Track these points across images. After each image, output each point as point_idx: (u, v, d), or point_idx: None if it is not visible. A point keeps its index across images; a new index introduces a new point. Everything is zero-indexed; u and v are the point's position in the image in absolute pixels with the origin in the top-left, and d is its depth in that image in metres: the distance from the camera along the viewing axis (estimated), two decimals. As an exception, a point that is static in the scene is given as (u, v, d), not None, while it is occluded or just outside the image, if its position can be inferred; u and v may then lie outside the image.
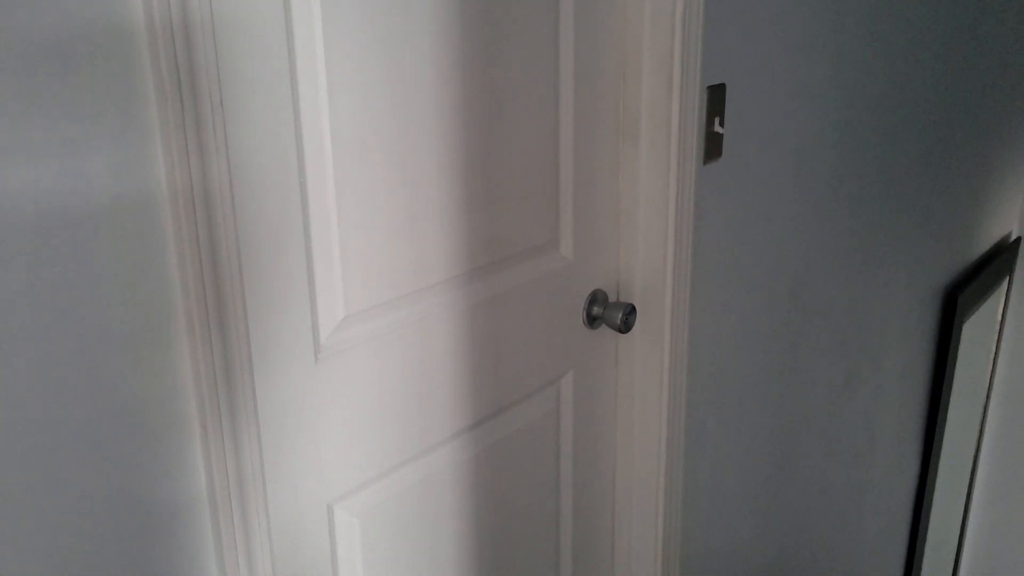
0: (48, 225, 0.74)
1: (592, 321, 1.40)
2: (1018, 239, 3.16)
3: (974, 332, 2.89)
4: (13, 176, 0.71)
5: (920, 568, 2.97)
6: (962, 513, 3.33)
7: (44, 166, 0.73)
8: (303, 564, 1.03)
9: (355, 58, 0.97)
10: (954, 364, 2.74)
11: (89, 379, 0.79)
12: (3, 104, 0.70)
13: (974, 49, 2.44)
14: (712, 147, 1.43)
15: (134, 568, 0.85)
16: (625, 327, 1.37)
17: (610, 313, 1.38)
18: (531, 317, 1.29)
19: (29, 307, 0.74)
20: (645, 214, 1.38)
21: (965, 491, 3.30)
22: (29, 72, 0.71)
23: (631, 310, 1.37)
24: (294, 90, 0.92)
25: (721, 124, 1.42)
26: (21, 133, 0.71)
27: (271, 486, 0.97)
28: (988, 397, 3.25)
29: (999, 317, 3.13)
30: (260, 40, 0.87)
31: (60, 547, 0.80)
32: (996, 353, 3.20)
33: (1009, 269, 3.10)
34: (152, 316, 0.83)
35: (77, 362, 0.78)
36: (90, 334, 0.78)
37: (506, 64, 1.15)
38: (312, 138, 0.95)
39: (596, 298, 1.40)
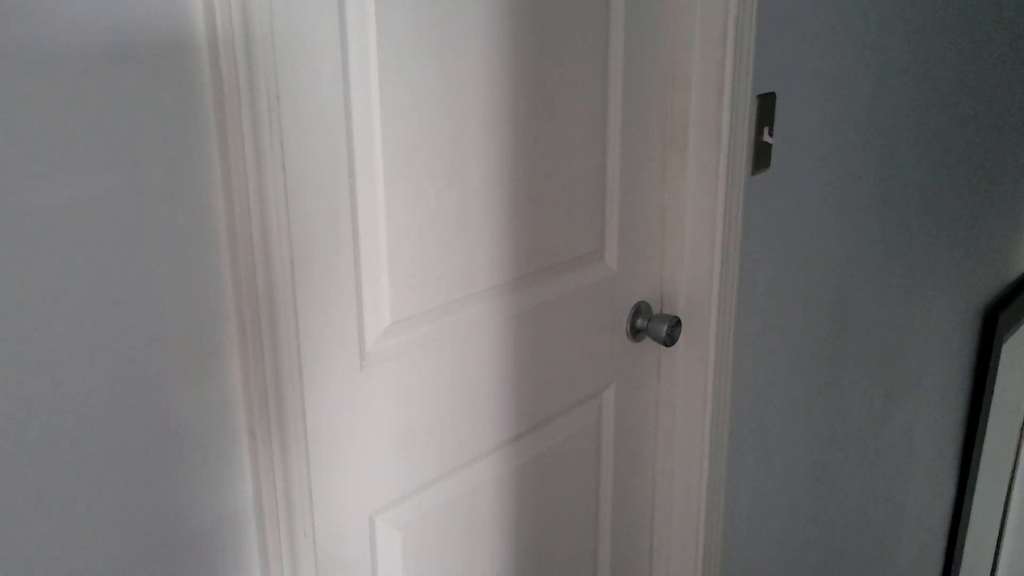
0: (101, 226, 0.72)
1: (636, 334, 1.37)
2: (1058, 258, 3.10)
3: (1014, 352, 2.84)
4: (69, 176, 0.70)
5: (955, 592, 2.91)
6: (998, 535, 3.27)
7: (100, 165, 0.71)
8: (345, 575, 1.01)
9: (407, 65, 0.95)
10: (993, 384, 2.69)
11: (139, 385, 0.77)
12: (63, 104, 0.68)
13: (1018, 65, 2.40)
14: (761, 157, 1.40)
15: (177, 578, 0.84)
16: (670, 340, 1.34)
17: (655, 326, 1.35)
18: (575, 327, 1.27)
19: (79, 310, 0.72)
20: (692, 225, 1.36)
21: (1001, 513, 3.23)
22: (91, 72, 0.70)
23: (676, 323, 1.34)
24: (347, 93, 0.90)
25: (771, 134, 1.39)
26: (79, 133, 0.70)
27: (316, 495, 0.95)
28: (1025, 418, 3.19)
29: (1038, 337, 3.07)
30: (315, 42, 0.86)
31: (106, 556, 0.78)
32: (1034, 373, 3.14)
33: (1049, 288, 3.04)
34: (203, 321, 0.81)
35: (127, 368, 0.76)
36: (141, 339, 0.77)
37: (555, 71, 1.13)
38: (363, 143, 0.93)
39: (640, 310, 1.37)
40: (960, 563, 2.89)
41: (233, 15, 0.76)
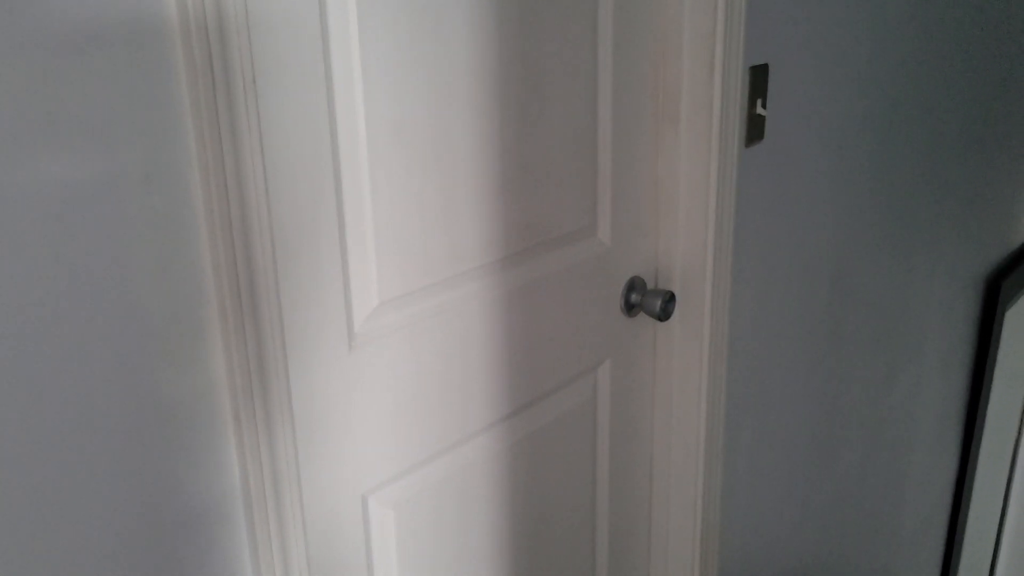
0: (77, 211, 0.72)
1: (630, 309, 1.36)
2: (1062, 225, 3.08)
3: (1017, 320, 2.83)
4: (44, 161, 0.69)
5: (958, 561, 2.92)
6: (1001, 506, 3.27)
7: (74, 150, 0.71)
8: (338, 556, 1.01)
9: (390, 39, 0.94)
10: (996, 353, 2.68)
11: (121, 371, 0.77)
12: (35, 88, 0.68)
13: (1019, 32, 2.37)
14: (754, 129, 1.39)
15: (170, 563, 0.84)
16: (664, 315, 1.33)
17: (649, 300, 1.35)
18: (568, 304, 1.26)
19: (58, 296, 0.72)
20: (685, 199, 1.35)
21: (1005, 483, 3.24)
22: (62, 55, 0.69)
23: (670, 297, 1.34)
24: (328, 70, 0.89)
25: (764, 106, 1.38)
26: (52, 117, 0.69)
27: (305, 477, 0.95)
28: (1029, 387, 3.18)
29: (1042, 305, 3.06)
30: (294, 19, 0.84)
31: (94, 544, 0.78)
32: (1038, 342, 3.12)
33: (1053, 256, 3.02)
34: (184, 305, 0.80)
35: (108, 354, 0.76)
36: (121, 325, 0.76)
37: (543, 44, 1.12)
38: (346, 120, 0.92)
39: (634, 285, 1.36)
40: (964, 533, 2.89)
41: (208, -6, 0.75)
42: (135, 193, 0.75)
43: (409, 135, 0.99)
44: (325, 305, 0.94)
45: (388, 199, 0.98)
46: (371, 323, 1.00)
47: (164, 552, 0.83)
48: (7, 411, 0.71)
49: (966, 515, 2.87)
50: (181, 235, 0.79)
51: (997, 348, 2.67)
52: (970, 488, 2.83)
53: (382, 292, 1.00)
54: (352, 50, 0.91)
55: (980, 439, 2.78)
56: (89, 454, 0.76)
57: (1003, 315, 2.64)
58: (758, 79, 1.36)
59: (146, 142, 0.75)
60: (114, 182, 0.74)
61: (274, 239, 0.86)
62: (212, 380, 0.84)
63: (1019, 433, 3.22)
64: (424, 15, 0.97)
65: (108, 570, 0.79)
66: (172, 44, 0.76)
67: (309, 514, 0.96)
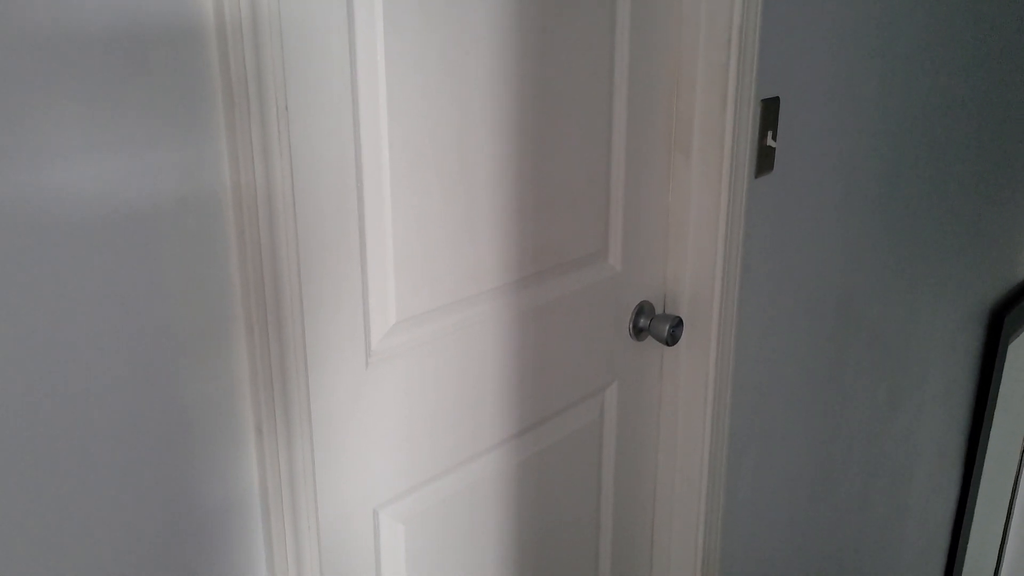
0: (113, 223, 0.75)
1: (638, 333, 1.39)
2: (1067, 260, 3.10)
3: (1020, 353, 2.84)
4: (80, 173, 0.72)
5: (957, 591, 2.92)
6: (1001, 535, 3.27)
7: (111, 164, 0.74)
8: (349, 567, 1.04)
9: (414, 66, 0.97)
10: (998, 385, 2.69)
11: (149, 377, 0.80)
12: (71, 100, 0.71)
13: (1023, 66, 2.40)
14: (764, 161, 1.42)
15: (187, 565, 0.86)
16: (672, 340, 1.36)
17: (657, 325, 1.37)
18: (578, 326, 1.29)
19: (91, 305, 0.75)
20: (695, 226, 1.38)
21: (1005, 513, 3.24)
22: (97, 69, 0.72)
23: (678, 323, 1.36)
24: (355, 96, 0.92)
25: (774, 138, 1.41)
26: (88, 130, 0.72)
27: (321, 488, 0.97)
28: (1031, 419, 3.19)
29: (1045, 338, 3.07)
30: (324, 45, 0.88)
31: (115, 543, 0.81)
32: (1041, 375, 3.13)
33: (1057, 290, 3.04)
34: (212, 316, 0.83)
35: (138, 360, 0.79)
36: (152, 333, 0.79)
37: (561, 73, 1.15)
38: (370, 144, 0.95)
39: (643, 310, 1.39)
40: (963, 564, 2.90)
41: (242, 10, 0.78)
42: (170, 209, 0.78)
43: (430, 160, 1.02)
44: (345, 322, 0.97)
45: (408, 221, 1.01)
46: (388, 341, 1.03)
47: (182, 555, 0.86)
48: (48, 416, 0.74)
49: (965, 545, 2.87)
50: (212, 251, 0.82)
51: (1000, 380, 2.69)
52: (970, 519, 2.83)
53: (399, 311, 1.03)
54: (378, 77, 0.94)
55: (981, 470, 2.79)
56: (114, 457, 0.79)
57: (1006, 348, 2.66)
58: (769, 112, 1.40)
59: (182, 161, 0.78)
60: (151, 198, 0.77)
61: (299, 258, 0.89)
62: (237, 393, 0.87)
63: (1020, 465, 3.22)
64: (448, 47, 1.00)
65: (133, 567, 0.82)
66: (210, 66, 0.79)
67: (323, 524, 0.99)
